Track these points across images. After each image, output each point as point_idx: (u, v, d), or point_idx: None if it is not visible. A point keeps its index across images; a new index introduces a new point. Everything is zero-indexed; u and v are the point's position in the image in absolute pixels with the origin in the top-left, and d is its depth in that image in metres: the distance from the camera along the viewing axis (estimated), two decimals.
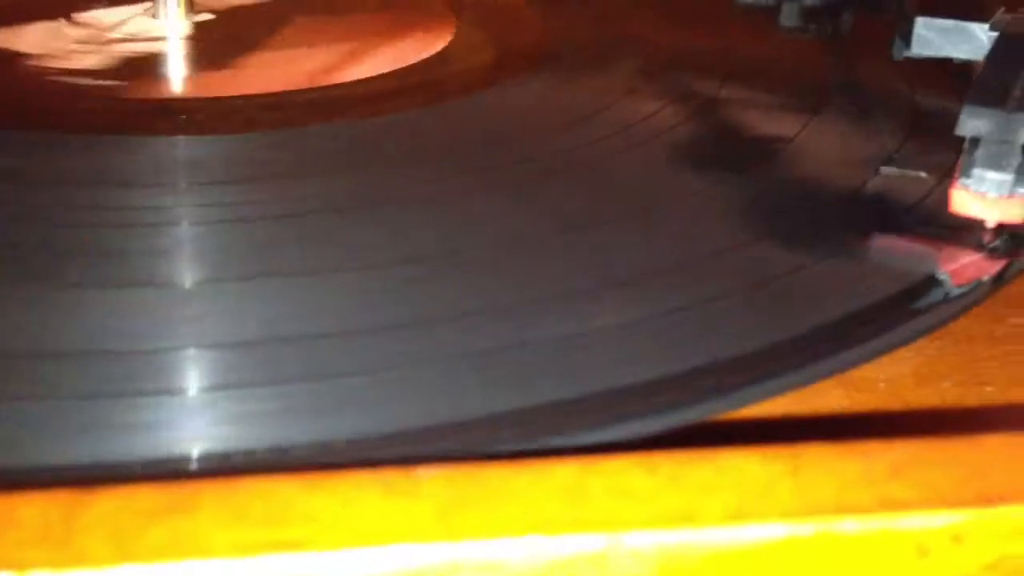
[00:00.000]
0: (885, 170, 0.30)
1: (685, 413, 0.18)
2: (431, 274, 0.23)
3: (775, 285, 0.24)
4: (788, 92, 0.36)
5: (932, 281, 0.25)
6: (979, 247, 0.26)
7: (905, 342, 0.23)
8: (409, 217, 0.26)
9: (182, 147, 0.30)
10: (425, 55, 0.37)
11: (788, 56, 0.39)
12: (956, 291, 0.24)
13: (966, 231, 0.26)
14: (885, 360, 0.24)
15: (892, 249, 0.26)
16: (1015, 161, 0.25)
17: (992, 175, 0.25)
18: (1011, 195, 0.25)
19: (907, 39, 0.30)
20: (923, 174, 0.29)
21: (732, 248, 0.26)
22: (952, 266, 0.25)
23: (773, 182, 0.30)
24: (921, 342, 0.24)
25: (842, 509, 0.15)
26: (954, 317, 0.24)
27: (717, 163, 0.30)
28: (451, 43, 0.38)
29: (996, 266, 0.25)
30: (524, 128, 0.32)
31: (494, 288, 0.23)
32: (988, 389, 0.23)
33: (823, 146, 0.32)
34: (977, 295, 0.24)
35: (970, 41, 0.29)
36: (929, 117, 0.33)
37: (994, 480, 0.15)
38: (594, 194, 0.28)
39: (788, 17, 0.42)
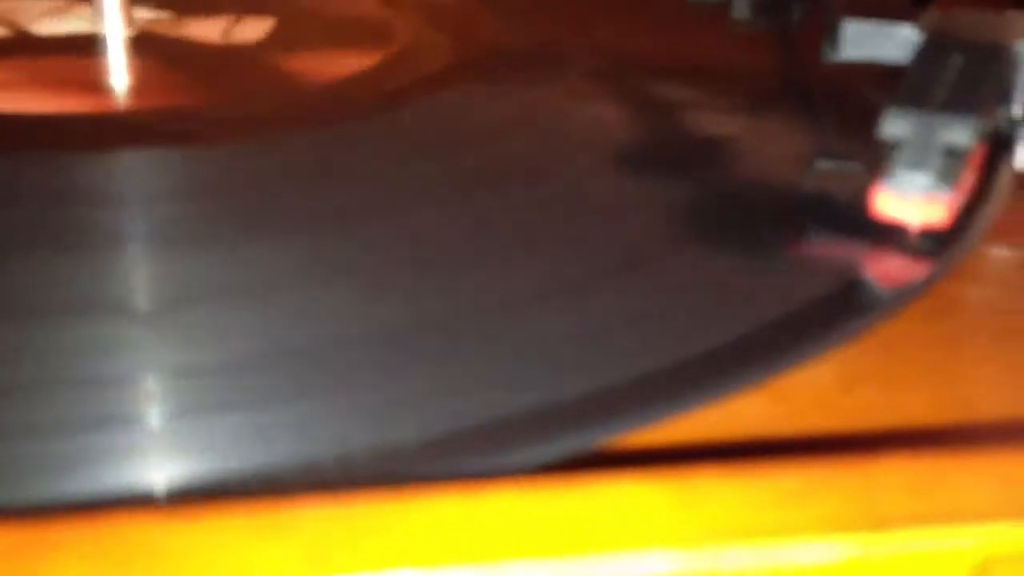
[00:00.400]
0: (821, 164, 0.29)
1: (582, 438, 0.18)
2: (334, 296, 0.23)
3: (694, 294, 0.24)
4: (733, 87, 0.36)
5: (857, 285, 0.24)
6: (905, 250, 0.25)
7: (827, 349, 0.23)
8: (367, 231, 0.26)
9: (130, 163, 0.29)
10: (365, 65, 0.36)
11: (737, 51, 0.39)
12: (881, 295, 0.24)
13: (893, 233, 0.26)
14: (808, 367, 0.23)
15: (818, 252, 0.26)
16: (937, 162, 0.24)
17: (914, 177, 0.24)
18: (933, 197, 0.24)
19: (834, 41, 0.29)
20: (858, 166, 0.29)
21: (654, 257, 0.25)
22: (877, 269, 0.25)
23: (708, 183, 0.29)
24: (845, 349, 0.24)
25: (732, 537, 0.15)
26: (879, 321, 0.24)
27: (652, 165, 0.30)
28: (392, 55, 0.37)
29: (922, 269, 0.25)
30: (461, 136, 0.32)
31: (376, 312, 0.22)
32: (912, 396, 0.23)
33: (762, 143, 0.32)
34: (903, 299, 0.24)
35: (899, 43, 0.29)
36: (873, 108, 0.33)
37: (891, 504, 0.15)
38: (514, 206, 0.27)
39: (739, 11, 0.42)
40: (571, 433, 0.18)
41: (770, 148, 0.32)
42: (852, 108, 0.34)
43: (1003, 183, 0.28)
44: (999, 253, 0.29)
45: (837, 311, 0.23)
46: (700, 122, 0.34)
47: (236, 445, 0.19)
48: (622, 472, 0.15)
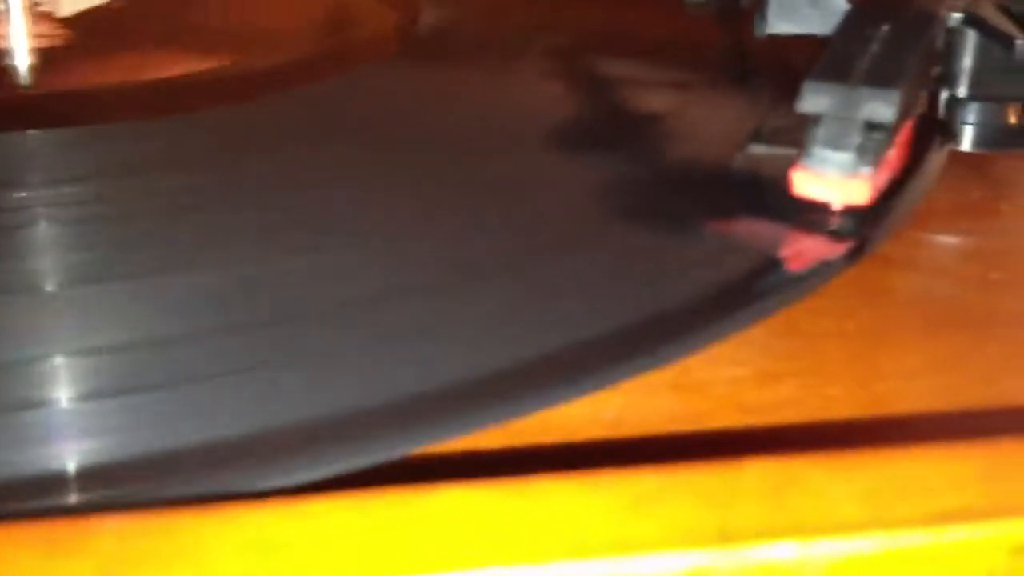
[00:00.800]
0: (754, 148, 0.28)
1: (411, 441, 0.16)
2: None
3: (598, 279, 0.22)
4: (679, 68, 0.34)
5: (767, 266, 0.23)
6: (823, 231, 0.24)
7: (727, 334, 0.21)
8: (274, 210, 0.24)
9: (34, 142, 0.28)
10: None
11: (686, 33, 0.38)
12: (791, 276, 0.22)
13: (816, 213, 0.24)
14: (727, 360, 0.22)
15: (736, 233, 0.24)
16: (857, 139, 0.23)
17: (833, 154, 0.23)
18: (854, 175, 0.23)
19: (763, 15, 0.28)
20: (794, 152, 0.27)
21: (564, 240, 0.24)
22: (791, 250, 0.23)
23: (643, 162, 0.28)
24: (768, 340, 0.23)
25: (570, 552, 0.13)
26: (788, 305, 0.22)
27: (589, 142, 0.29)
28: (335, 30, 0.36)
29: (837, 250, 0.23)
30: (388, 114, 0.30)
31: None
32: (831, 391, 0.22)
33: (703, 123, 0.31)
34: (814, 282, 0.22)
35: (828, 15, 0.27)
36: None
37: (745, 514, 0.13)
38: (436, 187, 0.26)
39: None
40: (396, 438, 0.16)
41: (710, 128, 0.30)
42: (796, 89, 0.32)
43: (935, 161, 0.27)
44: (936, 239, 0.27)
45: (741, 294, 0.22)
46: (642, 101, 0.32)
47: (132, 429, 0.17)
48: (458, 481, 0.14)
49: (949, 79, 0.28)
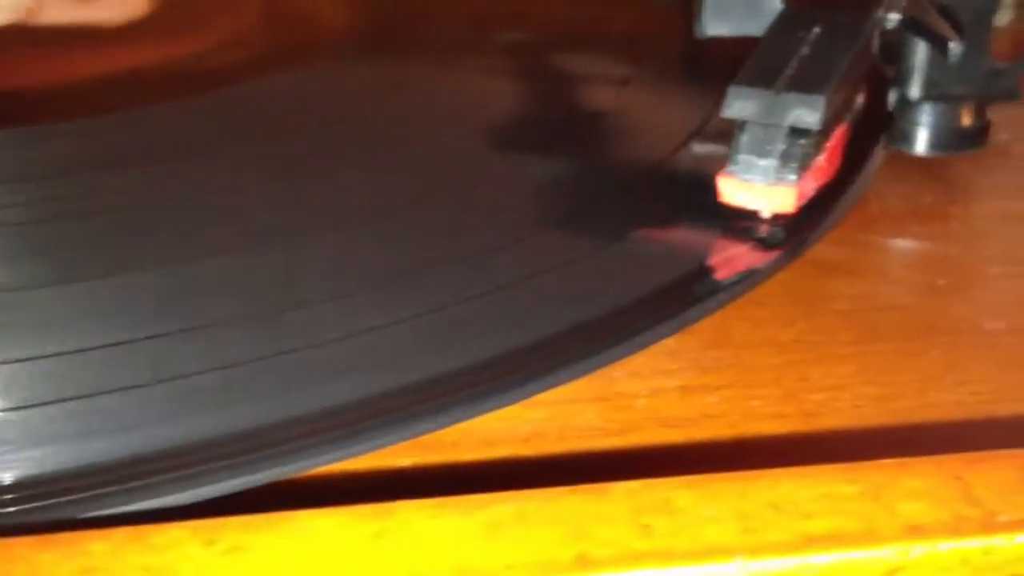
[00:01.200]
0: (696, 147, 0.27)
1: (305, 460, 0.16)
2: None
3: (514, 286, 0.22)
4: (634, 64, 0.33)
5: (693, 274, 0.22)
6: (747, 239, 0.23)
7: (648, 344, 0.21)
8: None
9: None
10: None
11: (647, 28, 0.37)
12: (716, 285, 0.22)
13: (746, 220, 0.23)
14: (653, 371, 0.22)
15: (658, 240, 0.24)
16: (781, 145, 0.22)
17: (758, 161, 0.22)
18: (779, 183, 0.22)
19: (701, 17, 0.27)
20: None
21: (481, 246, 0.23)
22: (717, 258, 0.22)
23: (582, 161, 0.27)
24: (698, 350, 0.22)
25: None
26: (712, 314, 0.22)
27: (527, 141, 0.28)
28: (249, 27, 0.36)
29: (764, 259, 0.22)
30: (320, 109, 0.30)
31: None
32: (756, 403, 0.21)
33: (649, 121, 0.30)
34: (740, 290, 0.22)
35: (764, 16, 0.26)
36: None
37: (605, 539, 0.12)
38: (361, 189, 0.25)
39: None
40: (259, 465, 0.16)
41: (655, 127, 0.29)
42: None
43: (875, 163, 0.26)
44: (884, 244, 0.26)
45: (665, 303, 0.21)
46: (586, 97, 0.31)
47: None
48: (316, 507, 0.13)
49: (900, 79, 0.27)
